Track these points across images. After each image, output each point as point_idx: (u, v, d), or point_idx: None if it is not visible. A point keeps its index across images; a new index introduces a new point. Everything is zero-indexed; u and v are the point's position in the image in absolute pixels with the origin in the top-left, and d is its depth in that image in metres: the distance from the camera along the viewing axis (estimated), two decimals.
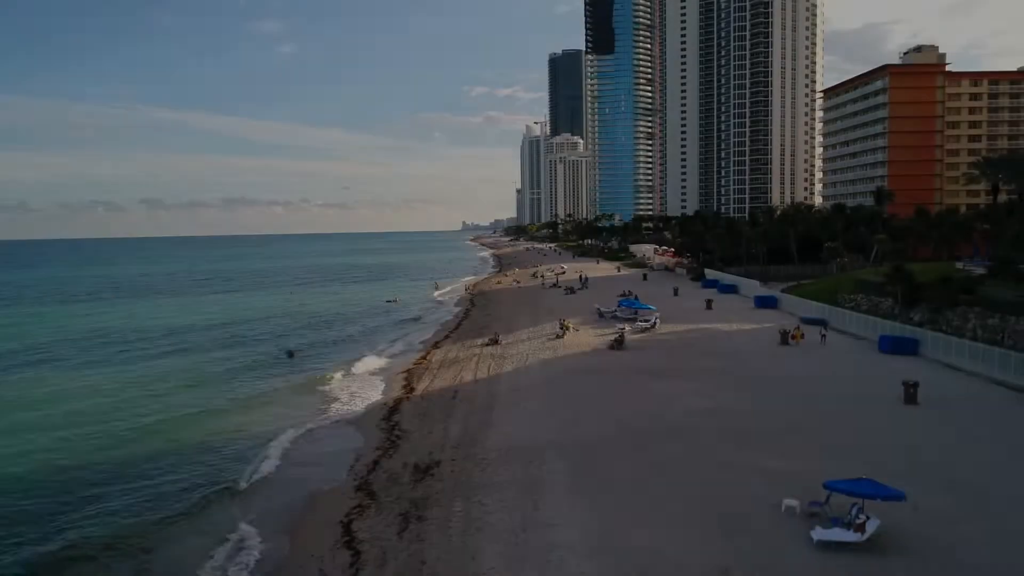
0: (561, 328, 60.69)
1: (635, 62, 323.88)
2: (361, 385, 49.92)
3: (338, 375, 53.19)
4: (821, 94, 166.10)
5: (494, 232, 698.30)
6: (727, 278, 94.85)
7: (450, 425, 36.04)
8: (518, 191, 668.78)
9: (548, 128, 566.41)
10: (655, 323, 61.34)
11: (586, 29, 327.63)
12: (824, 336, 51.06)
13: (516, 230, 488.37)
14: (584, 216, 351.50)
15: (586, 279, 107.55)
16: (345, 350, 65.63)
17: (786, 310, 71.34)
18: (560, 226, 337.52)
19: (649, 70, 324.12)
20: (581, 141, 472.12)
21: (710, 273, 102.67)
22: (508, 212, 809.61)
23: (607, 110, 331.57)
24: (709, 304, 73.85)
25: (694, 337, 56.50)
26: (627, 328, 60.48)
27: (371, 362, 58.23)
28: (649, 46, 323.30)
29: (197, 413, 42.54)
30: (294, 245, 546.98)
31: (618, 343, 51.84)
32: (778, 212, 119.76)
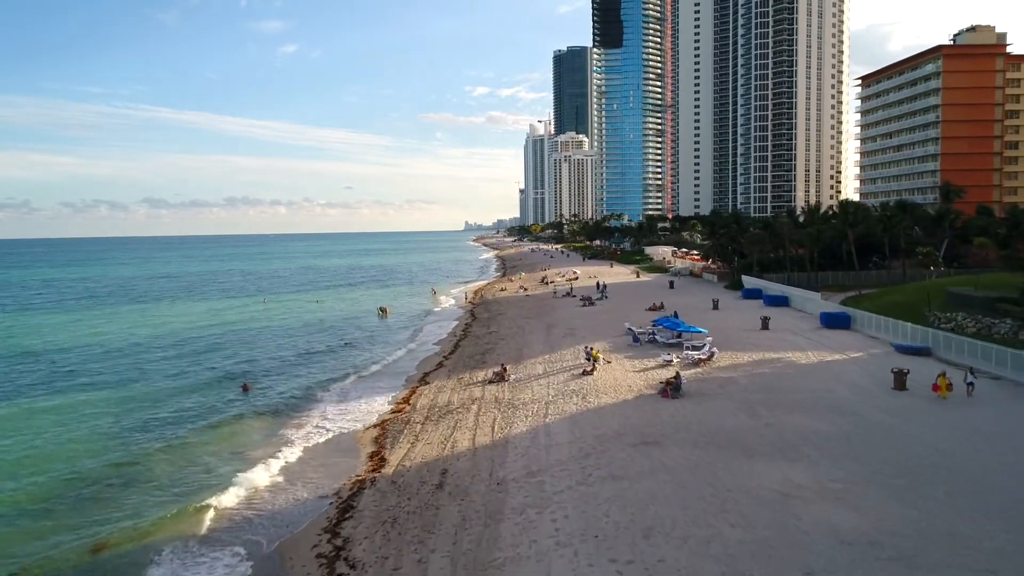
0: (588, 358, 46.34)
1: (644, 56, 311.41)
2: (312, 453, 35.55)
3: (287, 433, 39.03)
4: (859, 81, 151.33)
5: (497, 232, 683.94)
6: (772, 287, 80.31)
7: (430, 555, 21.77)
8: (521, 191, 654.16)
9: (552, 126, 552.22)
10: (712, 353, 46.71)
11: (593, 22, 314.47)
12: (972, 385, 34.92)
13: (519, 230, 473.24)
14: (590, 216, 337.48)
15: (604, 286, 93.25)
16: (310, 385, 51.40)
17: (864, 331, 56.61)
18: (565, 226, 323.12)
19: (659, 64, 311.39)
20: (586, 139, 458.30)
21: (748, 281, 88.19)
22: (511, 212, 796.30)
23: (615, 106, 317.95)
24: (766, 323, 59.45)
25: (768, 375, 41.89)
26: (675, 359, 46.20)
27: (334, 408, 44.19)
28: (659, 39, 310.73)
29: (47, 530, 27.10)
30: (295, 245, 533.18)
31: (673, 388, 37.24)
32: (822, 210, 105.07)
